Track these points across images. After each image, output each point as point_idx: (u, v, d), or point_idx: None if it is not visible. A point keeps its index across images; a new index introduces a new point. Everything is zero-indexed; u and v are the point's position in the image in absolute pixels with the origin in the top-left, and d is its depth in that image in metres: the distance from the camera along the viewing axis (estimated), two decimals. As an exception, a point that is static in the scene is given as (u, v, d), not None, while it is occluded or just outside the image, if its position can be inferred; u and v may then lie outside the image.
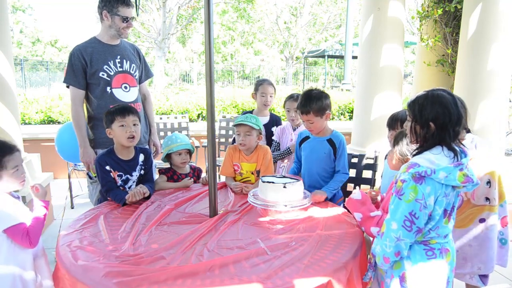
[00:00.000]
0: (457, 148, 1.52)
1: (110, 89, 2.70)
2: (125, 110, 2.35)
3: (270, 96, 3.30)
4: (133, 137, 2.33)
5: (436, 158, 1.48)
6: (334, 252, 1.63)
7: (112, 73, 2.70)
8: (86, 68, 2.66)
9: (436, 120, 1.50)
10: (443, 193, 1.47)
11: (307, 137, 2.56)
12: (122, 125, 2.30)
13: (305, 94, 2.40)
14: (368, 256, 1.75)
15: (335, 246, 1.69)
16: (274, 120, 3.36)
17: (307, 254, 1.60)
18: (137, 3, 3.14)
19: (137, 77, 2.86)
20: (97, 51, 2.69)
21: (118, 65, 2.74)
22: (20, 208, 1.79)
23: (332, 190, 2.39)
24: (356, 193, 1.85)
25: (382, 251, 1.52)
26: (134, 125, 2.34)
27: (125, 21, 2.69)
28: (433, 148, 1.52)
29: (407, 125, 1.62)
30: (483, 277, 2.20)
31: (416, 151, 1.57)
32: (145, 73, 3.00)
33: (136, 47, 2.96)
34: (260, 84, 3.33)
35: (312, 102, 2.32)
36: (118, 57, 2.74)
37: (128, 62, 2.80)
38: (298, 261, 1.54)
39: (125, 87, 2.76)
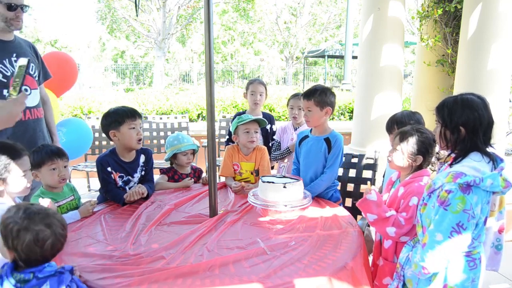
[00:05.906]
0: (491, 153, 1.50)
1: (8, 92, 2.28)
2: (135, 112, 2.34)
3: (260, 95, 3.27)
4: (140, 140, 2.35)
5: (480, 166, 1.45)
6: (334, 252, 1.63)
7: (8, 74, 2.31)
8: None
9: (466, 125, 1.49)
10: (487, 200, 1.45)
11: (306, 136, 2.56)
12: (133, 128, 2.30)
13: (314, 85, 2.50)
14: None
15: (334, 246, 1.69)
16: (267, 119, 3.31)
17: (307, 254, 1.60)
18: (137, 3, 3.11)
19: (37, 78, 2.51)
20: None
21: (15, 64, 2.33)
22: None
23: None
24: (372, 193, 1.82)
25: (421, 260, 1.48)
26: (140, 127, 2.36)
27: (12, 9, 2.25)
28: (471, 154, 1.49)
29: (436, 130, 1.59)
30: None
31: (452, 157, 1.54)
32: (43, 74, 2.62)
33: (32, 44, 2.57)
34: (251, 83, 3.33)
35: (317, 91, 2.39)
36: (14, 55, 2.35)
37: None
38: (297, 261, 1.54)
39: (26, 90, 2.35)
